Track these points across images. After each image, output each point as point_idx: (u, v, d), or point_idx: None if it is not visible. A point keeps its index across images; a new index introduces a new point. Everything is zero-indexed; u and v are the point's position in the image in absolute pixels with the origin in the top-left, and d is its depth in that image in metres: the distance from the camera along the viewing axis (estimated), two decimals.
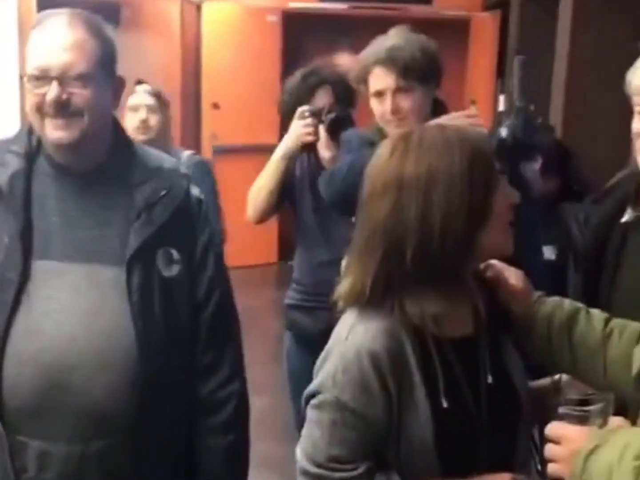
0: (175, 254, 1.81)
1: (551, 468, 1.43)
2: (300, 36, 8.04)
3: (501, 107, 6.82)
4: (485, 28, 7.49)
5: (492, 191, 1.55)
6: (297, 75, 3.16)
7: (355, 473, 1.53)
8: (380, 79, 2.56)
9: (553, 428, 1.43)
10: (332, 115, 2.88)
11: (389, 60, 2.54)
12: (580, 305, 1.78)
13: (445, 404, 1.54)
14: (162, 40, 6.69)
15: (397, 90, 2.54)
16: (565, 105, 4.82)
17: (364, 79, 2.62)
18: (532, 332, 1.73)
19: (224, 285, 1.93)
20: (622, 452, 1.28)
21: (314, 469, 1.55)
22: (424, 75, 2.57)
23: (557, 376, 1.86)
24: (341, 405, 1.53)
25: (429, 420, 1.53)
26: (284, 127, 3.11)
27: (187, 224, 1.86)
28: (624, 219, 2.12)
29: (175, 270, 1.81)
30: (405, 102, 2.55)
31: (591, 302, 1.84)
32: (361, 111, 2.97)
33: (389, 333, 1.54)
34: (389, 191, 1.53)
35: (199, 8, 7.62)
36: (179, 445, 1.86)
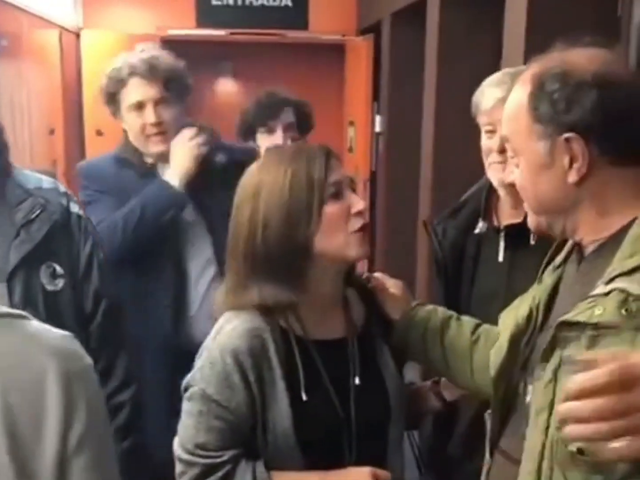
0: (58, 268, 1.84)
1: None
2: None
3: (377, 128, 7.01)
4: (359, 52, 7.56)
5: (320, 201, 1.66)
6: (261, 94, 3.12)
7: (219, 460, 1.62)
8: (140, 90, 2.51)
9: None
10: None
11: (150, 71, 2.51)
12: (453, 312, 1.88)
13: (305, 398, 1.65)
14: (42, 68, 6.62)
15: (160, 101, 2.52)
16: (436, 124, 4.94)
17: (115, 93, 2.55)
18: (408, 337, 1.83)
19: (111, 295, 1.96)
20: None
21: (184, 455, 1.64)
22: (181, 89, 2.59)
23: (436, 378, 1.96)
24: (207, 397, 1.63)
25: (289, 412, 1.63)
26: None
27: (67, 239, 1.89)
28: (476, 231, 2.25)
29: (59, 284, 1.84)
30: (167, 114, 2.54)
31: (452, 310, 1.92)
32: None
33: (252, 332, 1.65)
34: (240, 200, 1.70)
35: (78, 36, 7.58)
36: None
